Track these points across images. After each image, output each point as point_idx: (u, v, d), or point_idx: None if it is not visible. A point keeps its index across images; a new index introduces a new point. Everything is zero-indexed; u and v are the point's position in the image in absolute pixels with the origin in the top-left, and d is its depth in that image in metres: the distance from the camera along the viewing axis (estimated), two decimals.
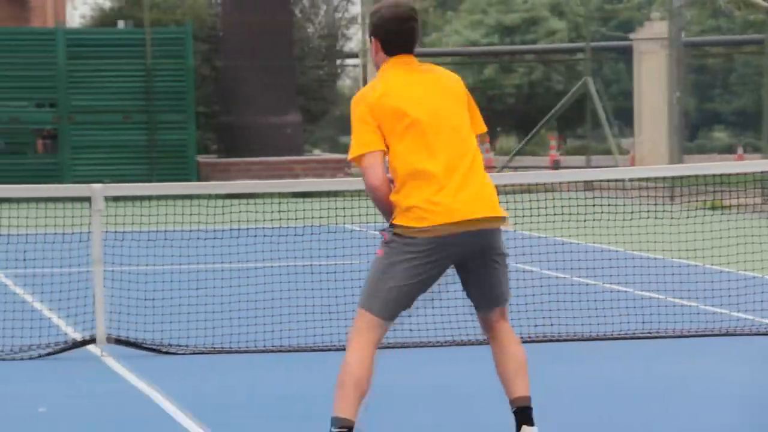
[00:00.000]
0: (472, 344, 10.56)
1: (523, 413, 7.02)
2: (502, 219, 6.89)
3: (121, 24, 29.73)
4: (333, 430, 6.68)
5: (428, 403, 8.71)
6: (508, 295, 7.07)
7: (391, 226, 6.80)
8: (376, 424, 7.53)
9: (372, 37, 7.11)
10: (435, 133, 6.84)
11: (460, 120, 6.97)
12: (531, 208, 15.38)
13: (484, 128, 7.15)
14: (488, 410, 7.82)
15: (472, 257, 6.83)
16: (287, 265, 14.13)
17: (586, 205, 17.75)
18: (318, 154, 34.48)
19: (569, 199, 18.08)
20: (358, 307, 6.82)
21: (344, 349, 6.82)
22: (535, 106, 46.71)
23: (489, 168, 34.71)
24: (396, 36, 7.07)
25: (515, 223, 16.34)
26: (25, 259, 14.53)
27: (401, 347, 10.43)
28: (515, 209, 15.16)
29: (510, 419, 6.95)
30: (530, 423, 7.01)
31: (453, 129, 6.90)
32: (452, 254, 6.78)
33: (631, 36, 38.18)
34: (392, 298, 6.74)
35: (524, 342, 10.70)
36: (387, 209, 6.86)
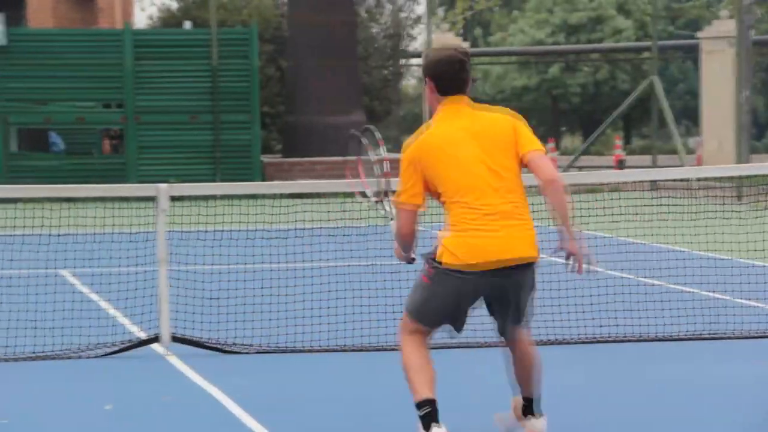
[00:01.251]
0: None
1: (529, 405, 7.55)
2: (535, 258, 7.23)
3: (187, 25, 29.84)
4: (419, 413, 7.06)
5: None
6: (528, 317, 7.45)
7: (433, 258, 7.21)
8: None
9: (425, 79, 7.40)
10: (475, 176, 7.17)
11: (501, 164, 7.25)
12: (596, 208, 15.34)
13: (533, 146, 7.37)
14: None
15: (505, 289, 7.21)
16: (350, 265, 14.14)
17: (651, 205, 17.70)
18: (381, 154, 34.44)
19: (634, 199, 18.03)
20: (406, 312, 7.32)
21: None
22: (600, 106, 46.61)
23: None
24: (445, 77, 7.33)
25: (581, 223, 16.29)
26: (90, 258, 14.66)
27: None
28: (580, 209, 15.12)
29: None
30: (534, 413, 7.54)
31: (493, 173, 7.21)
32: (489, 286, 7.18)
33: (699, 34, 37.92)
34: (436, 319, 7.29)
35: (589, 342, 10.77)
36: (407, 247, 7.54)
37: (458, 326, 7.35)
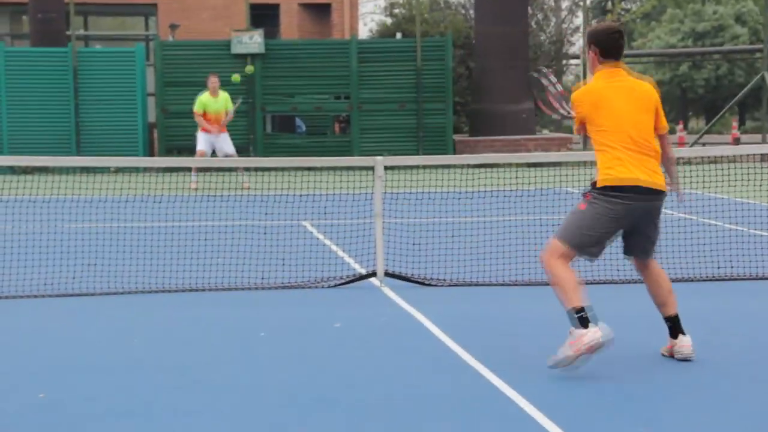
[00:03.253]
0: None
1: (676, 324, 7.40)
2: (665, 188, 7.27)
3: (398, 35, 30.00)
4: (576, 316, 6.98)
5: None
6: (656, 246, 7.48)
7: (593, 186, 7.23)
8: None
9: (590, 49, 7.40)
10: (626, 122, 7.20)
11: (641, 119, 7.26)
12: (716, 176, 15.00)
13: (665, 129, 7.48)
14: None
15: (648, 212, 7.26)
16: (521, 219, 14.09)
17: (762, 174, 17.27)
18: (546, 134, 34.14)
19: (748, 168, 17.59)
20: (556, 239, 7.21)
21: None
22: (720, 96, 45.51)
23: (681, 144, 33.93)
24: (608, 44, 7.34)
25: (704, 188, 15.98)
26: (325, 213, 14.84)
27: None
28: (703, 176, 14.82)
29: None
30: (683, 332, 7.38)
31: (634, 124, 7.22)
32: (637, 209, 7.16)
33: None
34: (586, 240, 7.19)
35: (708, 280, 10.57)
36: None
37: (599, 251, 7.29)
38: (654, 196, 7.18)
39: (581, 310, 6.98)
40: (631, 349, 7.64)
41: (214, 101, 21.27)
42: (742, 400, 6.51)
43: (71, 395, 6.70)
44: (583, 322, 6.94)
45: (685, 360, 7.28)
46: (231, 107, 21.50)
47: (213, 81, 21.32)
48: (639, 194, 7.10)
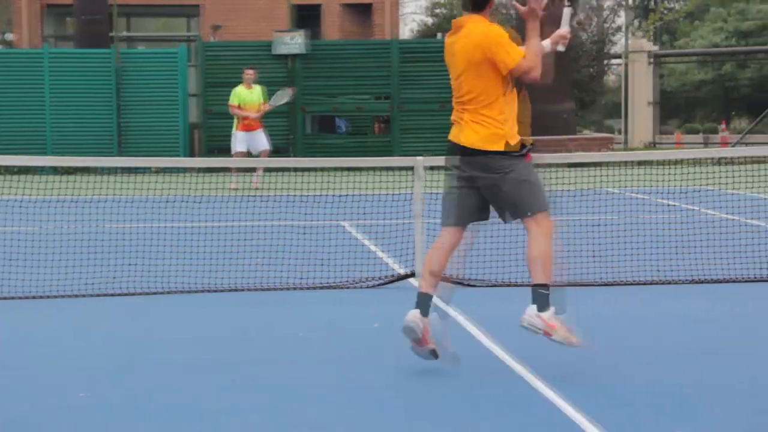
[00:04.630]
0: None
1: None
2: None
3: (439, 36, 29.92)
4: (546, 292, 6.88)
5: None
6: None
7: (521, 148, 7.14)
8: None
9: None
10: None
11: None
12: (761, 176, 14.91)
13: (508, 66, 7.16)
14: None
15: None
16: (561, 220, 14.02)
17: None
18: (588, 134, 33.99)
19: None
20: (539, 213, 6.97)
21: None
22: (765, 95, 45.10)
23: (723, 144, 33.64)
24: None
25: (746, 188, 15.80)
26: (364, 213, 14.83)
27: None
28: (747, 177, 14.70)
29: None
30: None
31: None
32: None
33: None
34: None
35: (755, 281, 10.44)
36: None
37: None
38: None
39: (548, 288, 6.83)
40: (667, 348, 7.58)
41: (249, 93, 21.36)
42: None
43: (114, 394, 6.73)
44: (548, 301, 6.82)
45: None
46: (266, 99, 21.54)
47: (248, 73, 21.43)
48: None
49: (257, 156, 20.72)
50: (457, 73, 7.15)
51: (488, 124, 6.97)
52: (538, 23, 6.96)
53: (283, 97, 21.86)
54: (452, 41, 7.20)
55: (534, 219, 6.96)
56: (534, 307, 6.87)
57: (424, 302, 7.10)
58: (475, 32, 7.07)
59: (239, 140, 21.08)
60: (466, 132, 7.03)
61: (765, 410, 6.27)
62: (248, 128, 21.12)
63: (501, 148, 6.95)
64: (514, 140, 7.02)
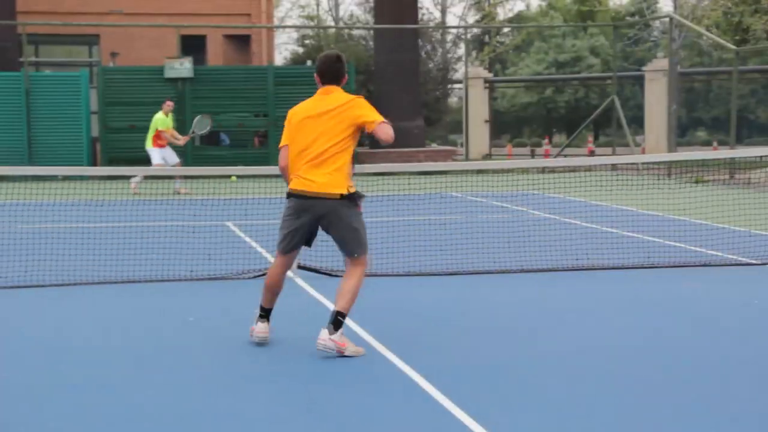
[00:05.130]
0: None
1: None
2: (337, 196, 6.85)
3: (308, 63, 29.91)
4: (343, 320, 6.85)
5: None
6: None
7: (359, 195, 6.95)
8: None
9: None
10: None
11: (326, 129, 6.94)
12: (574, 183, 15.20)
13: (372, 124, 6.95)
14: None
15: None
16: (413, 219, 14.10)
17: (612, 180, 17.55)
18: (435, 146, 34.30)
19: (601, 176, 17.84)
20: (363, 255, 6.96)
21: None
22: (578, 115, 46.18)
23: (546, 155, 34.21)
24: (322, 73, 7.14)
25: (564, 192, 16.08)
26: (245, 214, 14.70)
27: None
28: (565, 183, 14.99)
29: None
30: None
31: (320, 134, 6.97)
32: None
33: (643, 68, 37.66)
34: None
35: (569, 270, 10.66)
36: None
37: None
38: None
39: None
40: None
41: (168, 119, 21.25)
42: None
43: (46, 377, 6.55)
44: (341, 325, 6.86)
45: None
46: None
47: (168, 104, 21.34)
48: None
49: (172, 166, 20.59)
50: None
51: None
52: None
53: (205, 124, 21.63)
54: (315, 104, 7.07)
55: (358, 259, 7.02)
56: (326, 331, 6.81)
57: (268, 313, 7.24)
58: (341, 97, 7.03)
59: (157, 155, 20.92)
60: None
61: (570, 374, 6.42)
62: (161, 146, 21.03)
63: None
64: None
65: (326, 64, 7.08)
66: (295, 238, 7.08)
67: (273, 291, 7.25)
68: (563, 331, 7.70)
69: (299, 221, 6.99)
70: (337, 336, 6.79)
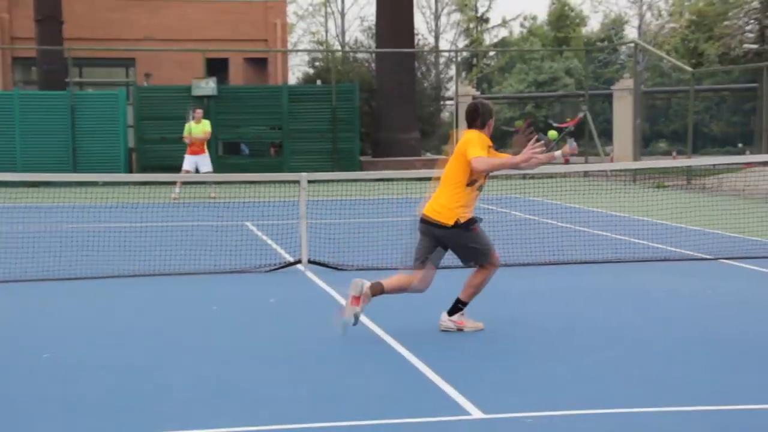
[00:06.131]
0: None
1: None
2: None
3: (318, 82, 29.88)
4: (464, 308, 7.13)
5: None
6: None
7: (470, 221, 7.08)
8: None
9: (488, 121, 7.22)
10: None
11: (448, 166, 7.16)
12: (553, 187, 15.19)
13: (469, 155, 6.99)
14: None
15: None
16: (411, 219, 14.10)
17: (584, 185, 17.56)
18: (429, 156, 34.28)
19: (575, 182, 17.84)
20: (490, 254, 7.12)
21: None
22: (556, 128, 46.26)
23: None
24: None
25: (543, 196, 16.10)
26: (262, 216, 14.67)
27: None
28: (544, 188, 14.96)
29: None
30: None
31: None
32: None
33: (611, 87, 37.68)
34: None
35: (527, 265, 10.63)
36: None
37: None
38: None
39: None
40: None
41: (196, 126, 20.82)
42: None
43: (70, 355, 6.55)
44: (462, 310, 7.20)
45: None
46: (209, 130, 21.05)
47: (198, 112, 20.98)
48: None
49: (204, 173, 20.19)
50: None
51: None
52: (520, 164, 7.04)
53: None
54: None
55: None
56: (445, 314, 7.21)
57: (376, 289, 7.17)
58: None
59: (188, 161, 20.54)
60: None
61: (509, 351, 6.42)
62: (195, 153, 20.60)
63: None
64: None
65: (466, 111, 7.27)
66: None
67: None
68: (542, 316, 7.71)
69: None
70: (456, 317, 7.13)
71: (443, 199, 7.05)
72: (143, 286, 9.55)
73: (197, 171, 20.36)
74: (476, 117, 7.21)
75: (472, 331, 7.11)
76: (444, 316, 7.19)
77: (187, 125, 20.86)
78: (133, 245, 11.83)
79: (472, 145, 7.00)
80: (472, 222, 7.05)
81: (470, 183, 7.05)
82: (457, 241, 7.06)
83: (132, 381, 5.86)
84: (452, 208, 7.00)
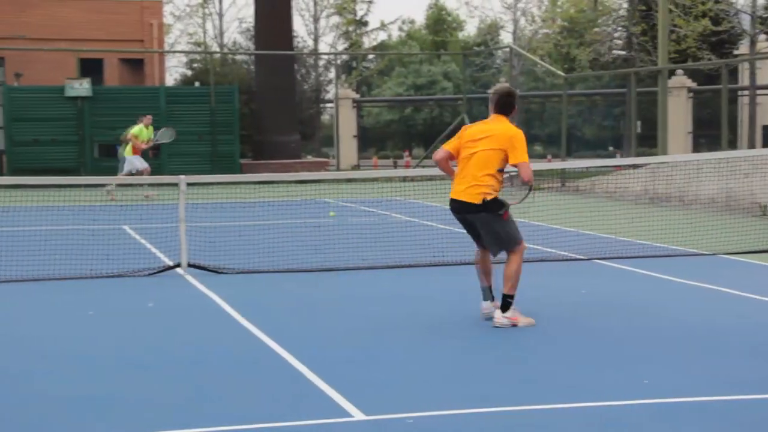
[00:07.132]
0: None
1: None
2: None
3: (196, 84, 29.46)
4: (512, 301, 7.22)
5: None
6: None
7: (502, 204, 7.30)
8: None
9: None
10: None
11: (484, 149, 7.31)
12: (432, 189, 15.34)
13: (517, 160, 7.25)
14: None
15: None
16: (290, 222, 14.03)
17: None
18: (310, 158, 34.25)
19: (450, 182, 18.05)
20: (518, 240, 7.24)
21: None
22: (434, 131, 46.76)
23: (407, 166, 34.49)
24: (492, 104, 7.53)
25: (422, 198, 16.28)
26: (141, 219, 14.40)
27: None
28: (422, 190, 15.11)
29: None
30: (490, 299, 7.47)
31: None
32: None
33: (488, 91, 38.35)
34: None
35: (419, 266, 10.69)
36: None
37: None
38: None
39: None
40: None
41: (148, 131, 20.88)
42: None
43: None
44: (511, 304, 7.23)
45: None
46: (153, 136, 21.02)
47: (148, 118, 21.03)
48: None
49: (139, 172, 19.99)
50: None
51: None
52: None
53: (168, 135, 21.27)
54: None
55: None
56: (499, 311, 7.21)
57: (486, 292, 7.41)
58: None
59: (137, 161, 20.32)
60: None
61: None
62: (137, 152, 20.45)
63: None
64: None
65: (499, 95, 7.37)
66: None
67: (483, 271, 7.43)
68: (423, 317, 7.78)
69: None
70: (509, 313, 7.15)
71: (478, 183, 7.21)
72: (14, 293, 9.22)
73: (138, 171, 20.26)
74: (513, 103, 7.39)
75: (526, 325, 7.18)
76: (498, 313, 7.19)
77: (138, 128, 20.74)
78: (3, 250, 11.41)
79: (523, 149, 7.25)
80: (500, 205, 7.21)
81: (500, 170, 7.33)
82: (486, 223, 7.19)
83: (2, 389, 5.65)
84: (483, 192, 7.22)
